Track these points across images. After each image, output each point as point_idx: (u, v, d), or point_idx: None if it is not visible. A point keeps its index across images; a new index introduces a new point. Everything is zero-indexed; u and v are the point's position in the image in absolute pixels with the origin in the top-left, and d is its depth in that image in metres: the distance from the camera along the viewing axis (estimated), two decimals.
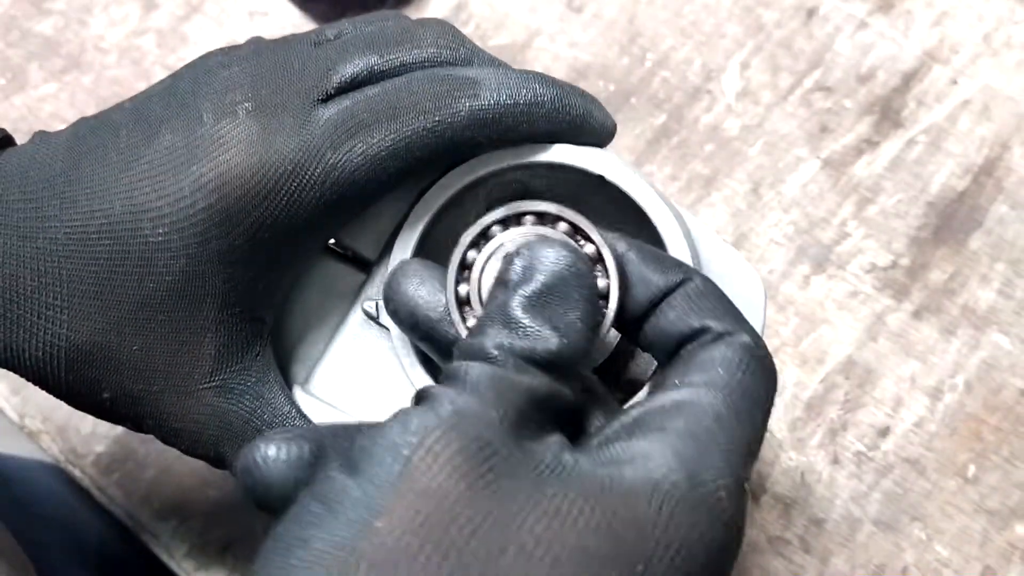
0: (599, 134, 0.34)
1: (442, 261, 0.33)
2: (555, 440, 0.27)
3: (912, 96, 0.52)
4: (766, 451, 0.46)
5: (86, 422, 0.48)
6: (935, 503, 0.44)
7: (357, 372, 0.35)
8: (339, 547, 0.23)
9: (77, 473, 0.47)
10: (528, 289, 0.28)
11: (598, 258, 0.31)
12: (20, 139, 0.36)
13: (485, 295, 0.31)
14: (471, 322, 0.31)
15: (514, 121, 0.33)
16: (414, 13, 0.56)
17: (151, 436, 0.46)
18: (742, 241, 0.50)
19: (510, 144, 0.34)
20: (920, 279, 0.48)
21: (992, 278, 0.48)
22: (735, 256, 0.34)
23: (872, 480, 0.45)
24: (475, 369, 0.27)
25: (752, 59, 0.54)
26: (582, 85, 0.53)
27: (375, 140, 0.32)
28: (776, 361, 0.47)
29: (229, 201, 0.32)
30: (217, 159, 0.32)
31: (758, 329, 0.33)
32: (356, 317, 0.35)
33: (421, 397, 0.27)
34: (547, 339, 0.27)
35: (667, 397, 0.28)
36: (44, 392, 0.48)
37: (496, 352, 0.27)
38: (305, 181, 0.32)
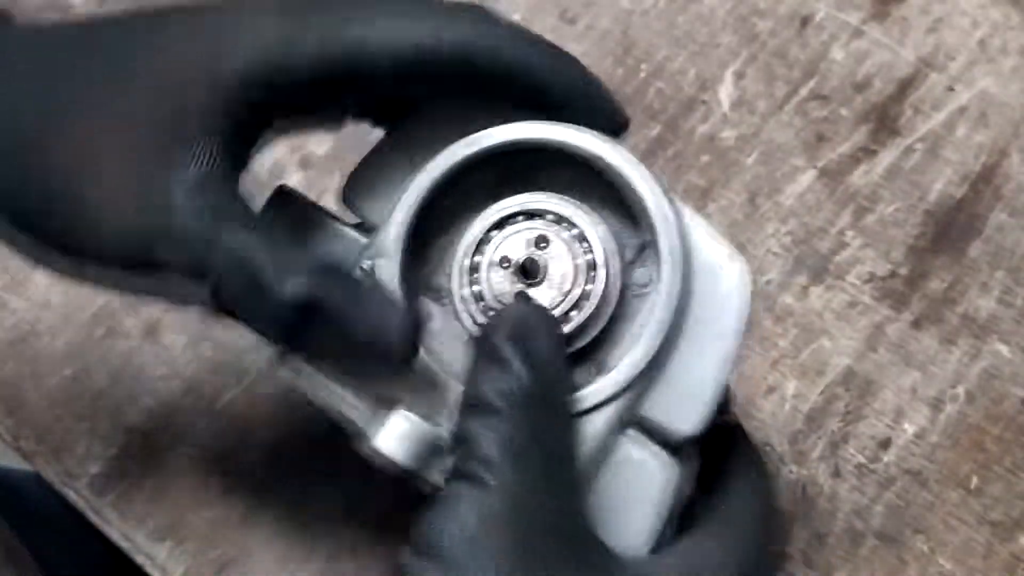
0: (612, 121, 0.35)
1: (447, 226, 0.36)
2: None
3: (908, 104, 0.52)
4: (767, 465, 0.45)
5: (80, 443, 0.48)
6: (938, 515, 0.44)
7: None
8: None
9: (71, 495, 0.47)
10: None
11: (582, 238, 0.34)
12: None
13: (495, 291, 0.34)
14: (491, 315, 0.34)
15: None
16: None
17: (148, 456, 0.45)
18: (739, 252, 0.49)
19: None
20: (919, 288, 0.48)
21: (992, 286, 0.48)
22: (726, 250, 0.35)
23: (874, 493, 0.45)
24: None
25: (747, 69, 0.53)
26: None
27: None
28: (775, 373, 0.47)
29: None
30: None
31: (743, 315, 0.34)
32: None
33: (465, 472, 0.30)
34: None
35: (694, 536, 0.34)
36: (39, 413, 0.48)
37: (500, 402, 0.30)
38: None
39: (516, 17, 0.55)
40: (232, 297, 0.31)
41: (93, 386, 0.49)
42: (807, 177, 0.51)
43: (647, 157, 0.52)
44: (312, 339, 0.32)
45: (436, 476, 0.33)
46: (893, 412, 0.46)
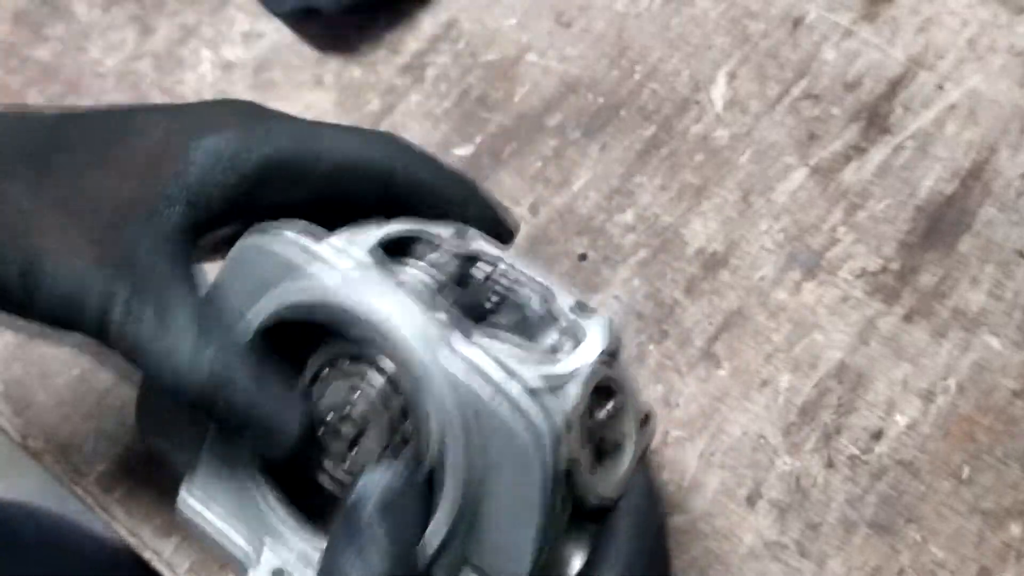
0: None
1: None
2: None
3: (899, 102, 0.53)
4: (761, 457, 0.46)
5: (88, 441, 0.49)
6: (930, 505, 0.45)
7: (223, 477, 0.37)
8: None
9: (79, 492, 0.48)
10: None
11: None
12: None
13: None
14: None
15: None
16: (406, 31, 0.57)
17: (150, 456, 0.46)
18: (733, 249, 0.50)
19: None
20: (910, 283, 0.49)
21: (982, 280, 0.49)
22: (532, 411, 0.33)
23: (867, 483, 0.45)
24: None
25: (740, 69, 0.54)
26: (572, 98, 0.54)
27: None
28: (769, 367, 0.48)
29: None
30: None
31: (538, 477, 0.32)
32: None
33: None
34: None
35: None
36: (47, 412, 0.49)
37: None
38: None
39: (512, 22, 0.56)
40: (151, 358, 0.34)
41: (100, 385, 0.50)
42: (799, 175, 0.52)
43: (642, 157, 0.53)
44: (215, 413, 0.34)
45: None
46: (885, 404, 0.47)
